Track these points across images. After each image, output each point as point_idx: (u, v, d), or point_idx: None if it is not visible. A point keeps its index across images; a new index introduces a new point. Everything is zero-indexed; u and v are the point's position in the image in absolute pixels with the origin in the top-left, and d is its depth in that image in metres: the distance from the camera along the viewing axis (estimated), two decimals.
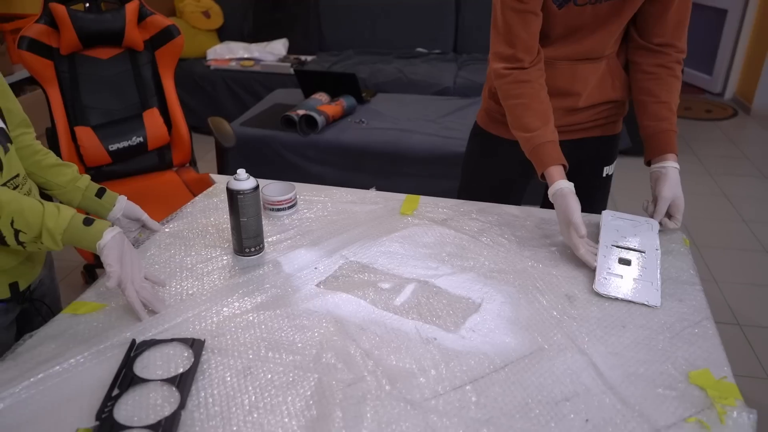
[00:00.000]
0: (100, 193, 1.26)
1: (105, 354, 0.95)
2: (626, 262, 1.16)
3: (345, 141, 2.81)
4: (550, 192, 1.23)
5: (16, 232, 0.98)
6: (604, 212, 1.31)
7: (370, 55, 4.34)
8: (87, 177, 1.27)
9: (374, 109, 3.18)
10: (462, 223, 1.35)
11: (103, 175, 2.22)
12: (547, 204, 1.40)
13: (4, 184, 1.05)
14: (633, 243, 1.21)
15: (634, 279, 1.12)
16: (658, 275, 1.13)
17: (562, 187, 1.20)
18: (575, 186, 1.22)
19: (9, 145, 1.09)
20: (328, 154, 2.83)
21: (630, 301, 1.07)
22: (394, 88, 3.75)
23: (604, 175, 1.53)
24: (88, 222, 1.02)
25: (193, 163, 2.41)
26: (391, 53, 4.34)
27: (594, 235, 1.25)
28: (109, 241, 1.01)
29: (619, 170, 3.37)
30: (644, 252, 1.19)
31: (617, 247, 1.20)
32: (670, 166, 1.27)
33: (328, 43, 4.52)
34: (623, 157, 3.57)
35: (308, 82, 3.24)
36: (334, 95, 3.14)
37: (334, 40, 4.50)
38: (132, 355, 0.94)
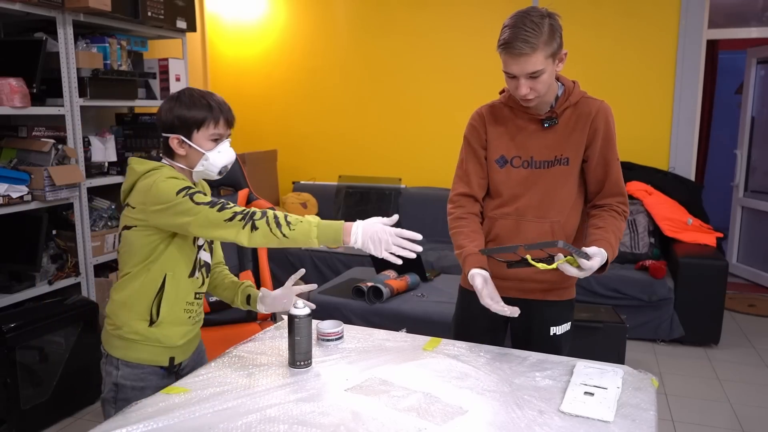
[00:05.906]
0: (248, 300, 1.77)
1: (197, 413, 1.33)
2: (590, 394, 1.42)
3: (404, 310, 3.21)
4: (469, 276, 1.70)
5: (285, 215, 1.46)
6: (578, 362, 1.59)
7: (440, 243, 4.87)
8: (245, 295, 1.77)
9: (435, 286, 3.59)
10: (471, 358, 1.66)
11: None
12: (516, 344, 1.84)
13: (195, 292, 1.63)
14: (598, 383, 1.47)
15: (595, 404, 1.37)
16: (615, 402, 1.38)
17: (472, 272, 1.68)
18: (527, 344, 1.75)
19: (208, 272, 1.72)
20: (389, 321, 3.20)
21: (588, 417, 1.32)
22: (456, 270, 4.18)
23: (551, 334, 1.82)
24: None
25: (273, 318, 2.87)
26: None
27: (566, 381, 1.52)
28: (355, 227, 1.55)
29: (668, 356, 3.47)
30: (606, 389, 1.44)
31: (585, 385, 1.47)
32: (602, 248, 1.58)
33: None
34: (676, 346, 3.69)
35: (380, 261, 3.74)
36: (401, 272, 3.61)
37: (410, 229, 5.10)
38: None
